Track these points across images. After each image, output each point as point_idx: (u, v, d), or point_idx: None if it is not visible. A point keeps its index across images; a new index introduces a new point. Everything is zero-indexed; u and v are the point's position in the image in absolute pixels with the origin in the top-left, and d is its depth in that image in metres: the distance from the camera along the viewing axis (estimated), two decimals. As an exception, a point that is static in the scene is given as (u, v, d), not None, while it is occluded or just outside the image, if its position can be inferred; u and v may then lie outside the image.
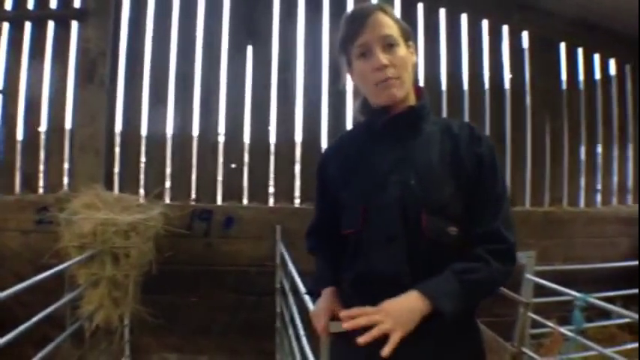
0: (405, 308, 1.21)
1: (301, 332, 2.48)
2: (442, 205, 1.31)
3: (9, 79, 4.29)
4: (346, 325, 1.21)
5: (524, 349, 2.46)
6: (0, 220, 4.03)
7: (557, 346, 2.86)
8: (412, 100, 1.41)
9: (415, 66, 1.41)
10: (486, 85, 4.50)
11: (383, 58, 1.31)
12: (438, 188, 1.32)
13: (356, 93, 1.49)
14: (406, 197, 1.32)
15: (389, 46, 1.33)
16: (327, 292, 1.47)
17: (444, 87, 4.36)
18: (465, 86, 4.42)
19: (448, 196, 1.32)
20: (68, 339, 3.23)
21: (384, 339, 1.20)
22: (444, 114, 4.29)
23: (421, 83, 4.04)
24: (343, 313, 1.23)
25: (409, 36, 1.40)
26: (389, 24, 1.35)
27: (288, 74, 4.14)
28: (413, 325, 1.19)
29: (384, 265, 1.33)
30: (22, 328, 2.46)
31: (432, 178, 1.33)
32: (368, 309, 1.20)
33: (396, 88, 1.33)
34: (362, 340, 1.15)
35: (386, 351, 1.15)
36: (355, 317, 1.20)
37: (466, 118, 4.33)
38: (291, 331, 2.92)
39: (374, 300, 1.30)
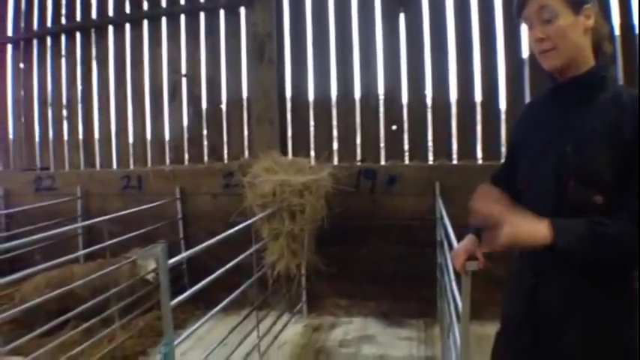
0: (529, 226, 1.31)
1: (452, 277, 2.51)
2: (592, 173, 1.34)
3: (190, 64, 4.92)
4: (474, 205, 1.38)
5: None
6: (193, 185, 4.69)
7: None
8: (587, 66, 1.43)
9: (590, 30, 1.41)
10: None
11: (539, 31, 1.40)
12: (592, 157, 1.34)
13: None
14: (560, 163, 1.40)
15: (547, 18, 1.39)
16: (469, 236, 1.65)
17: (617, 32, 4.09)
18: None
19: (600, 166, 1.33)
20: (255, 284, 3.62)
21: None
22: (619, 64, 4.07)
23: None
24: (480, 190, 1.43)
25: (579, 2, 1.40)
26: None
27: (439, 38, 4.27)
28: (526, 243, 1.31)
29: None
30: (215, 274, 2.88)
31: (588, 146, 1.36)
32: (496, 208, 1.35)
33: (551, 59, 1.41)
34: (483, 249, 1.39)
35: (482, 249, 1.40)
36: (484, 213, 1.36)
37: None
38: (446, 279, 3.09)
39: (523, 254, 1.53)
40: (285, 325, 4.12)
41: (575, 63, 1.42)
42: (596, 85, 1.43)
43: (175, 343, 2.29)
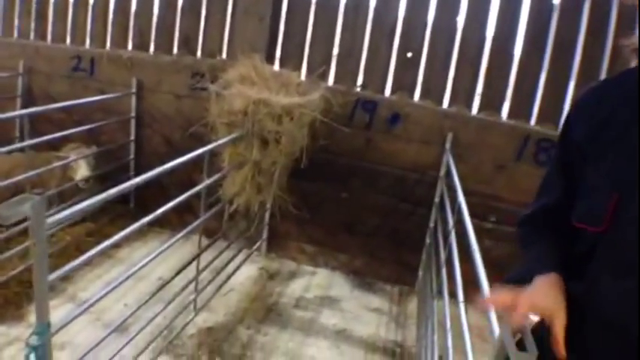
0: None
1: (456, 262, 2.07)
2: None
3: None
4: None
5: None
6: (154, 80, 3.88)
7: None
8: None
9: None
10: None
11: None
12: None
13: None
14: None
15: None
16: (548, 277, 1.01)
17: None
18: None
19: None
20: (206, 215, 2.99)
21: None
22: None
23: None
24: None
25: None
26: None
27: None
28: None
29: (614, 300, 0.90)
30: (171, 204, 2.40)
31: None
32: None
33: None
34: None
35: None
36: None
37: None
38: (442, 254, 2.52)
39: (588, 343, 0.96)
40: (239, 268, 3.59)
41: None
42: None
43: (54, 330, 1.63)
